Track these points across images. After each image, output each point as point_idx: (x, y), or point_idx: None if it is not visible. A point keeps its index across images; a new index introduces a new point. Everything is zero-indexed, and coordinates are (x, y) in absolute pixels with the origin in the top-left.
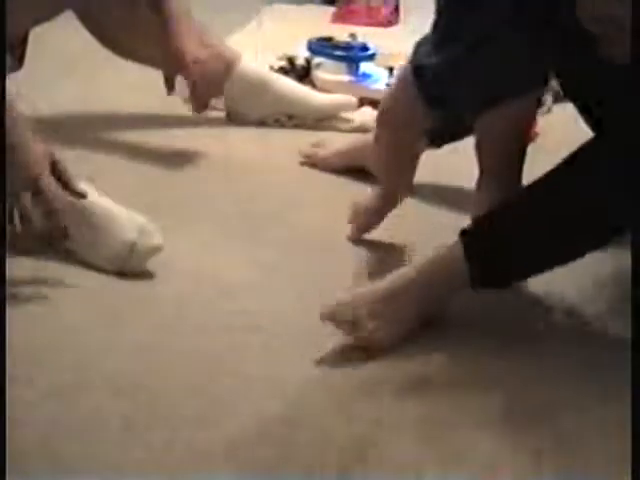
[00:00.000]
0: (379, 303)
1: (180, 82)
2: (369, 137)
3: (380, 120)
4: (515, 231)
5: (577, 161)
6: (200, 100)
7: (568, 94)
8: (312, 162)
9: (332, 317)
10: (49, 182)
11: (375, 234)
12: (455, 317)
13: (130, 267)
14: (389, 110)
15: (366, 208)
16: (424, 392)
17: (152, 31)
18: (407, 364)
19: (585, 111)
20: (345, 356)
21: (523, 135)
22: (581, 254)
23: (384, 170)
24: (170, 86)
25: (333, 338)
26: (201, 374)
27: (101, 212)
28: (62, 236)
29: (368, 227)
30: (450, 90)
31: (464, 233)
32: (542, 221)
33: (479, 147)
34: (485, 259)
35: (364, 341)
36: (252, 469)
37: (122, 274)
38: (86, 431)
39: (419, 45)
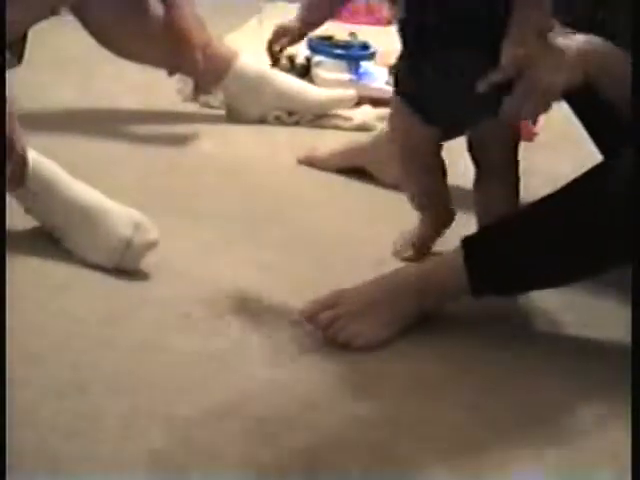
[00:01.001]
0: (365, 304)
1: (178, 79)
2: (367, 137)
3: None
4: (516, 246)
5: (582, 184)
6: (204, 82)
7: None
8: (310, 162)
9: (310, 317)
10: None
11: (376, 234)
12: (453, 317)
13: (126, 263)
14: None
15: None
16: (424, 391)
17: (153, 31)
18: (407, 364)
19: (577, 111)
20: (346, 356)
21: (516, 131)
22: (581, 276)
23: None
24: (175, 67)
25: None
26: (201, 374)
27: (96, 209)
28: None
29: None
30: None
31: (465, 242)
32: (542, 240)
33: (472, 148)
34: (485, 270)
35: (342, 341)
36: (252, 469)
37: (121, 272)
38: (85, 431)
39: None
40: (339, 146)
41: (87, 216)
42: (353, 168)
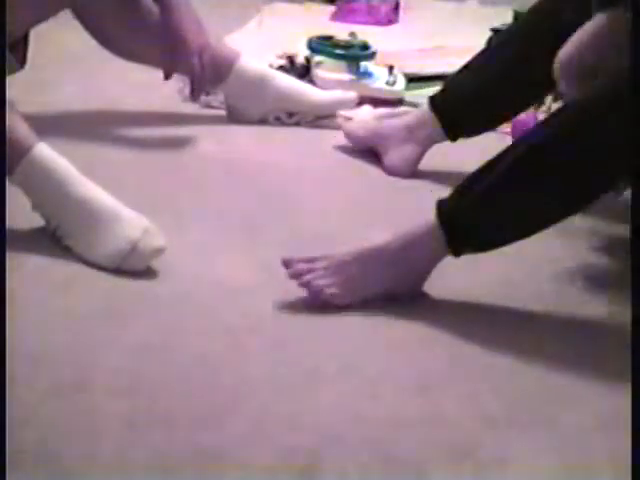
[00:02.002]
0: (341, 262)
1: (178, 79)
2: (385, 122)
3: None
4: (485, 195)
5: (545, 128)
6: (200, 85)
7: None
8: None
9: (288, 263)
10: None
11: (376, 233)
12: (454, 317)
13: (130, 265)
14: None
15: None
16: (426, 391)
17: (152, 31)
18: (407, 363)
19: None
20: (345, 357)
21: None
22: (553, 220)
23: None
24: (170, 69)
25: (333, 340)
26: (201, 374)
27: (107, 210)
28: None
29: None
30: None
31: (440, 203)
32: (512, 185)
33: None
34: (461, 228)
35: (313, 289)
36: (252, 469)
37: (121, 271)
38: (86, 431)
39: None
40: (366, 123)
41: (97, 216)
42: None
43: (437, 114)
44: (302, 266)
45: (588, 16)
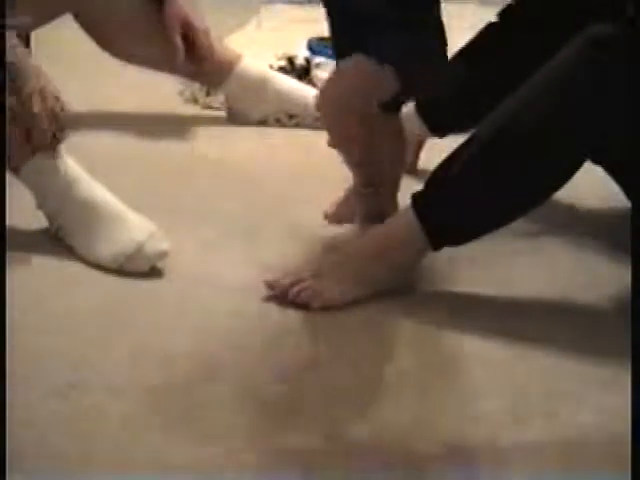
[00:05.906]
0: (325, 267)
1: (179, 81)
2: None
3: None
4: (459, 185)
5: (504, 115)
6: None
7: None
8: None
9: (272, 285)
10: None
11: None
12: (453, 318)
13: (133, 267)
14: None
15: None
16: (422, 392)
17: (152, 33)
18: (405, 364)
19: None
20: (345, 356)
21: None
22: (528, 205)
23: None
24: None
25: (333, 338)
26: (201, 374)
27: (114, 212)
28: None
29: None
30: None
31: (415, 197)
32: (483, 179)
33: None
34: (436, 216)
35: (302, 300)
36: (252, 469)
37: (120, 271)
38: (86, 431)
39: None
40: None
41: (103, 217)
42: None
43: (420, 111)
44: (287, 281)
45: (581, 16)
